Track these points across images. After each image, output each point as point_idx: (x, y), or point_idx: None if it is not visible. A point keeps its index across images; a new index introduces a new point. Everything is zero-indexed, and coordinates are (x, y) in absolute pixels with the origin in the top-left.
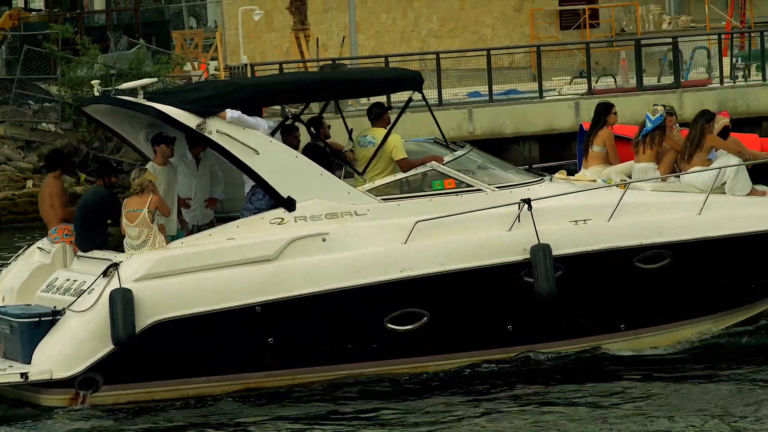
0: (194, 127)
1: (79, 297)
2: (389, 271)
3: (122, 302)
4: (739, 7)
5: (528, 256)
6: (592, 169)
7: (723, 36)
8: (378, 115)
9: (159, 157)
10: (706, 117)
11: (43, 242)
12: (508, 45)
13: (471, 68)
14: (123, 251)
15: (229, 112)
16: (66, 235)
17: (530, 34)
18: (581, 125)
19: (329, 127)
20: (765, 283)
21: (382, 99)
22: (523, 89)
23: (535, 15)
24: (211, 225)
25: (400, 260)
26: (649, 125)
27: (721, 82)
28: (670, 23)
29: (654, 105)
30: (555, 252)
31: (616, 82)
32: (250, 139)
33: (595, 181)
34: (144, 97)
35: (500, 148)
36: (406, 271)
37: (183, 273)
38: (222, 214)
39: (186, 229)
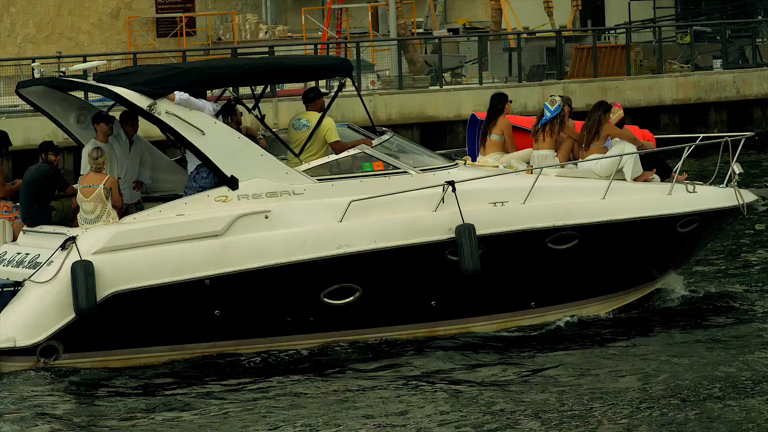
0: (145, 108)
1: (37, 269)
2: (327, 248)
3: (84, 273)
4: (335, 17)
5: (453, 235)
6: (492, 155)
7: (319, 46)
8: (312, 99)
9: (100, 135)
10: (603, 108)
11: None
12: (105, 52)
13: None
14: (66, 226)
15: (178, 94)
16: (5, 211)
17: (127, 42)
18: (473, 114)
19: (241, 114)
20: (660, 265)
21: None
22: None
23: (131, 22)
24: (137, 205)
25: (337, 237)
26: (548, 114)
27: None
28: (267, 32)
29: (551, 95)
30: (478, 232)
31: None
32: (196, 120)
33: (497, 167)
34: (93, 79)
35: None
36: (343, 248)
37: (138, 247)
38: (146, 195)
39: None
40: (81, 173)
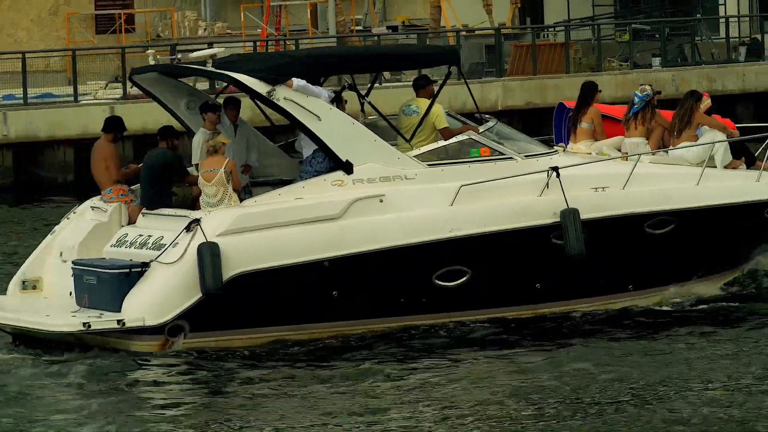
0: (264, 94)
1: (163, 250)
2: (439, 231)
3: (210, 255)
4: (274, 14)
5: (558, 219)
6: (583, 143)
7: (258, 43)
8: (422, 86)
9: (208, 123)
10: (695, 97)
11: (95, 202)
12: (44, 48)
13: (5, 71)
14: (187, 209)
15: (296, 81)
16: (121, 195)
17: (66, 38)
18: (561, 103)
19: (346, 101)
20: (749, 248)
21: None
22: (58, 93)
23: (71, 19)
24: (245, 189)
25: (448, 221)
26: (638, 103)
27: None
28: (206, 29)
29: (641, 84)
30: (581, 217)
31: None
32: (313, 106)
33: (590, 154)
34: (213, 66)
35: (36, 152)
36: (454, 232)
37: (260, 229)
38: (252, 180)
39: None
40: (192, 161)
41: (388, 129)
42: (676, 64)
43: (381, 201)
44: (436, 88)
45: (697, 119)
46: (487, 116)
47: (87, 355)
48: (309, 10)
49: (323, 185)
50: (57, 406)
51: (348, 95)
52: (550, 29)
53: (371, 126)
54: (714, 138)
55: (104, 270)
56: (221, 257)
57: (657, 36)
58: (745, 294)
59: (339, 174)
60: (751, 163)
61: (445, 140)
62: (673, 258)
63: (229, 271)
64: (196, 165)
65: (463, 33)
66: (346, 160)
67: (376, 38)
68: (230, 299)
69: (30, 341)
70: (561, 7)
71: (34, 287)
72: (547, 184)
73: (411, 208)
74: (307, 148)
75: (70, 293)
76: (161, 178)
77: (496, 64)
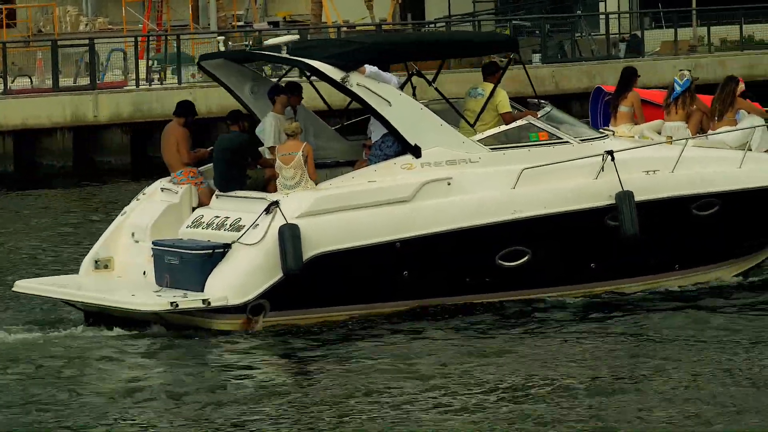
0: (339, 80)
1: (243, 232)
2: (503, 213)
3: (291, 236)
4: (156, 10)
5: (614, 201)
6: (623, 126)
7: (139, 38)
8: (492, 72)
9: (279, 106)
10: (734, 81)
11: (164, 183)
12: None
13: None
14: (259, 191)
15: (368, 68)
16: (191, 177)
17: None
18: (599, 87)
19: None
20: None
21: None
22: None
23: None
24: None
25: (511, 203)
26: (678, 88)
27: (137, 85)
28: (87, 24)
29: (681, 70)
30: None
31: (32, 82)
32: (384, 92)
33: (633, 137)
34: (287, 53)
35: None
36: (517, 213)
37: (337, 211)
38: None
39: None
40: (265, 144)
41: (453, 113)
42: (556, 61)
43: (449, 184)
44: None
45: (738, 104)
46: (543, 102)
47: (171, 333)
48: (190, 6)
49: (394, 168)
50: (149, 380)
51: (416, 81)
52: (430, 25)
53: (437, 110)
54: (753, 122)
55: (188, 251)
56: (301, 238)
57: (537, 32)
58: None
59: (408, 158)
60: None
61: (507, 125)
62: (718, 239)
63: (308, 252)
64: (269, 148)
65: (344, 29)
66: (415, 144)
67: (257, 34)
68: (309, 279)
69: (105, 318)
70: (442, 2)
71: (106, 266)
72: (602, 167)
73: (476, 191)
74: (377, 132)
75: (144, 273)
76: (236, 160)
77: None
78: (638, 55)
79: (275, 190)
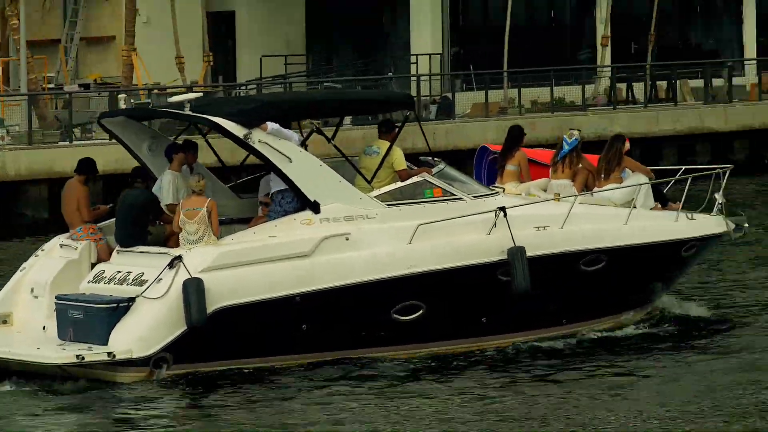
0: (241, 137)
1: (146, 286)
2: (399, 268)
3: (195, 290)
4: None
5: (506, 256)
6: (509, 184)
7: None
8: (389, 130)
9: (176, 163)
10: (621, 140)
11: (63, 239)
12: None
13: None
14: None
15: (270, 125)
16: (91, 233)
17: None
18: (484, 146)
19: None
20: (665, 284)
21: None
22: None
23: None
24: None
25: (407, 258)
26: (566, 147)
27: None
28: None
29: (570, 129)
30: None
31: None
32: (285, 148)
33: (520, 194)
34: (190, 110)
35: None
36: (412, 268)
37: (239, 266)
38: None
39: None
40: (163, 202)
41: (351, 169)
42: (366, 122)
43: (347, 239)
44: None
45: (624, 162)
46: (437, 159)
47: (76, 386)
48: (0, 67)
49: (293, 224)
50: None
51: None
52: (242, 87)
53: (335, 167)
54: (638, 180)
55: (93, 305)
56: (205, 292)
57: None
58: (659, 328)
59: (307, 213)
60: (664, 205)
61: (402, 181)
62: (603, 294)
63: (212, 306)
64: (167, 205)
65: (156, 91)
66: (314, 200)
67: (67, 96)
68: (212, 332)
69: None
70: (253, 64)
71: (5, 322)
72: (495, 223)
73: (373, 246)
74: (274, 188)
75: (44, 328)
76: (140, 217)
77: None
78: (449, 117)
79: (175, 246)
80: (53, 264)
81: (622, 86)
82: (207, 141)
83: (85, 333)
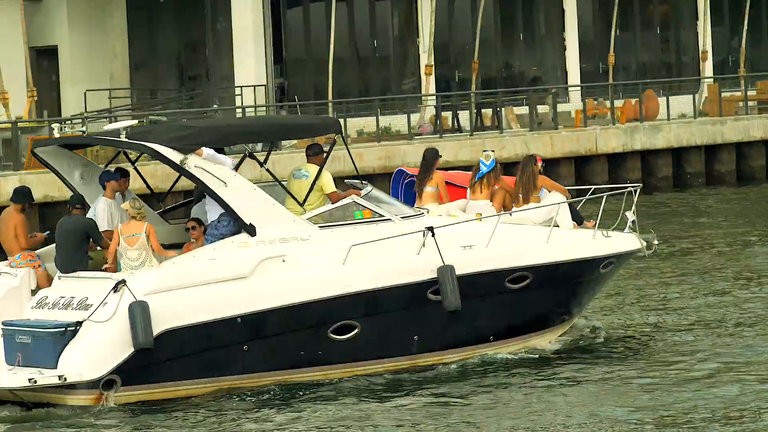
0: (178, 162)
1: (92, 310)
2: (334, 288)
3: (141, 312)
4: None
5: (435, 275)
6: (429, 206)
7: None
8: (317, 154)
9: (109, 191)
10: (533, 161)
11: (2, 267)
12: None
13: None
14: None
15: (205, 150)
16: (30, 260)
17: None
18: (400, 168)
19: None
20: (584, 301)
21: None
22: None
23: None
24: None
25: (341, 279)
26: (484, 168)
27: None
28: None
29: (485, 151)
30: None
31: None
32: (220, 173)
33: (441, 215)
34: (126, 137)
35: None
36: (347, 288)
37: (182, 288)
38: None
39: None
40: (99, 228)
41: (283, 193)
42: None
43: (284, 261)
44: None
45: (540, 182)
46: (364, 182)
47: (22, 411)
48: None
49: (231, 247)
50: None
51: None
52: (68, 121)
53: (267, 191)
54: (556, 199)
55: (41, 329)
56: (150, 314)
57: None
58: (580, 345)
59: (244, 236)
60: (579, 223)
61: (333, 203)
62: (528, 310)
63: (157, 328)
64: (102, 232)
65: None
66: (250, 223)
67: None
68: (158, 354)
69: None
70: (78, 99)
71: None
72: (424, 243)
73: (309, 267)
74: (213, 213)
75: None
76: (80, 242)
77: (13, 157)
78: (276, 148)
79: (114, 271)
80: None
81: (448, 114)
82: (136, 168)
83: (34, 357)
